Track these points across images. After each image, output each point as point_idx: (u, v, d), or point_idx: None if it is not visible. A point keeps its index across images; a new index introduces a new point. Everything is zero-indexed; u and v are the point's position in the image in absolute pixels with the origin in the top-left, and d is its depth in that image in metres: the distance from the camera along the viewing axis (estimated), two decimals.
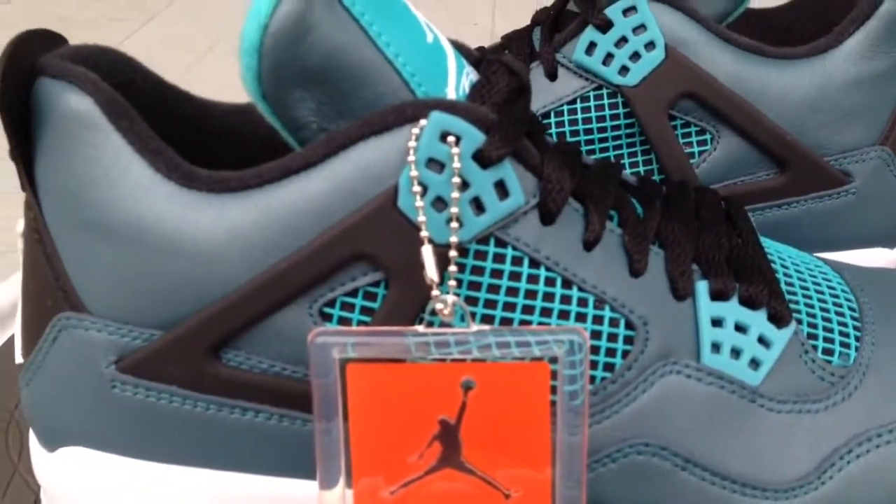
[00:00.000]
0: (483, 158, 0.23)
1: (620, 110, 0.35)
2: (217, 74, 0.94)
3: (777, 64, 0.35)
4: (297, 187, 0.23)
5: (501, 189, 0.24)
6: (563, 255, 0.25)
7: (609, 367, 0.25)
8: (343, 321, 0.24)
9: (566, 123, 0.36)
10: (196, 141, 0.29)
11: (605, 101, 0.35)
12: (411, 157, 0.23)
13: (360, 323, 0.24)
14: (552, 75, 0.36)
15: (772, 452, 0.26)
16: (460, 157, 0.23)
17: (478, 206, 0.23)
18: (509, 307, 0.24)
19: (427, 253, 0.23)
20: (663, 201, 0.28)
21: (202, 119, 0.29)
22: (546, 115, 0.36)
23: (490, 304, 0.24)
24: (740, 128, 0.35)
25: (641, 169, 0.36)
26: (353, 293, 0.24)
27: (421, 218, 0.23)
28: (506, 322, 0.24)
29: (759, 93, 0.35)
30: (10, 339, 0.41)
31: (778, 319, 0.27)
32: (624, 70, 0.35)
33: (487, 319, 0.24)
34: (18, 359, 0.28)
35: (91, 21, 1.07)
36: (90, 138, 0.24)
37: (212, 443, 0.26)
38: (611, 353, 0.25)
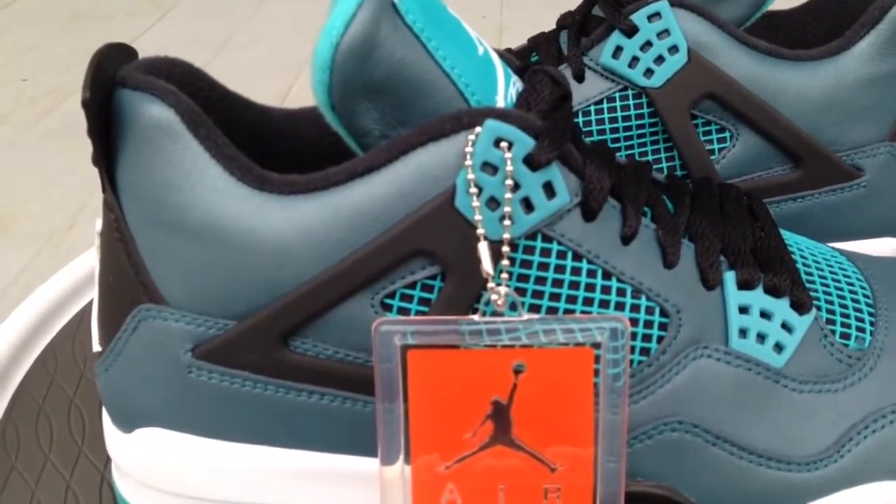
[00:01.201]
0: (533, 162, 0.25)
1: (645, 110, 0.37)
2: (233, 69, 0.96)
3: (793, 66, 0.37)
4: (361, 189, 0.25)
5: (549, 189, 0.26)
6: (604, 249, 0.27)
7: (645, 352, 0.28)
8: (402, 311, 0.26)
9: (593, 123, 0.38)
10: (256, 144, 0.31)
11: (631, 102, 0.37)
12: (468, 162, 0.25)
13: (418, 313, 0.26)
14: (580, 77, 0.38)
15: (794, 429, 0.28)
16: (513, 161, 0.25)
17: (527, 205, 0.26)
18: (554, 297, 0.27)
19: (483, 248, 0.25)
20: (691, 197, 0.31)
21: (261, 124, 0.31)
22: (574, 115, 0.38)
23: (537, 294, 0.26)
24: (758, 126, 0.37)
25: (665, 166, 0.38)
26: (412, 286, 0.26)
27: (477, 217, 0.25)
28: (551, 311, 0.27)
29: (776, 93, 0.37)
30: (67, 331, 0.43)
31: (799, 306, 0.29)
32: (649, 72, 0.37)
33: (534, 309, 0.27)
34: (96, 347, 0.30)
35: (107, 16, 1.09)
36: (171, 146, 0.26)
37: (280, 423, 0.28)
38: (647, 338, 0.27)
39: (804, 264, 0.31)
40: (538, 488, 0.27)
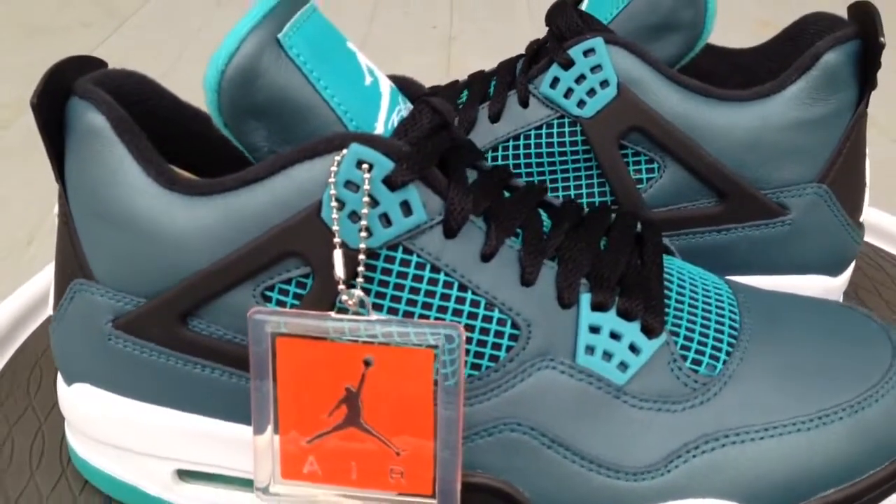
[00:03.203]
0: (391, 182, 0.29)
1: (579, 138, 0.40)
2: (188, 81, 0.98)
3: (720, 105, 0.39)
4: (248, 196, 0.30)
5: (406, 208, 0.29)
6: (461, 264, 0.30)
7: (494, 359, 0.31)
8: (280, 303, 0.31)
9: (532, 146, 0.41)
10: (203, 149, 0.36)
11: (566, 130, 0.40)
12: (332, 179, 0.29)
13: (292, 306, 0.30)
14: (525, 103, 0.41)
15: (628, 441, 0.31)
16: (371, 181, 0.29)
17: (386, 220, 0.29)
18: (411, 303, 0.30)
19: (337, 256, 0.29)
20: (576, 222, 0.33)
21: (208, 131, 0.36)
22: (517, 138, 0.41)
23: (396, 299, 0.30)
24: (682, 160, 0.39)
25: (596, 191, 0.41)
26: (288, 281, 0.30)
27: (335, 227, 0.29)
28: (408, 315, 0.30)
29: (702, 129, 0.39)
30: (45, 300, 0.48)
31: (650, 331, 0.31)
32: (581, 103, 0.40)
33: (393, 312, 0.30)
34: (50, 311, 0.35)
35: (64, 28, 1.12)
36: (100, 147, 0.31)
37: (181, 390, 0.32)
38: (496, 346, 0.31)
39: (678, 293, 0.34)
40: (385, 468, 0.31)
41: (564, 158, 0.41)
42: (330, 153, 0.29)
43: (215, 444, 0.33)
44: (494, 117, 0.42)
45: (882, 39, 0.38)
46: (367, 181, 0.29)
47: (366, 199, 0.29)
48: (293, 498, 0.31)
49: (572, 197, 0.41)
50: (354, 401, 0.30)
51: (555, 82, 0.40)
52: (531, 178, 0.41)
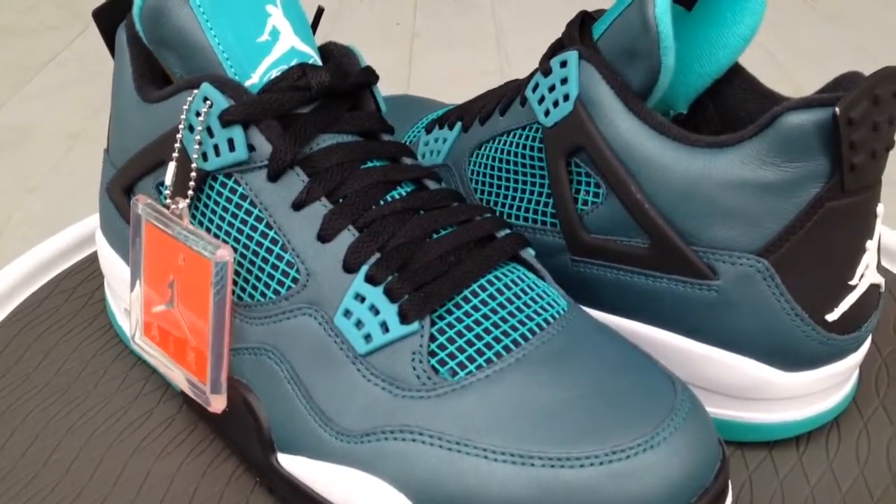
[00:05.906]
0: (223, 120, 0.35)
1: (545, 146, 0.41)
2: None
3: (670, 144, 0.36)
4: (160, 109, 0.38)
5: (231, 144, 0.35)
6: (273, 206, 0.35)
7: (276, 292, 0.35)
8: (166, 196, 0.39)
9: (514, 145, 0.42)
10: None
11: (538, 136, 0.41)
12: (185, 107, 0.36)
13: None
14: (523, 102, 0.42)
15: (346, 403, 0.33)
16: (207, 115, 0.35)
17: (217, 150, 0.35)
18: (231, 225, 0.36)
19: (170, 168, 0.36)
20: (425, 208, 0.36)
21: None
22: (508, 133, 0.43)
23: (221, 218, 0.36)
24: (613, 189, 0.38)
25: (551, 202, 0.41)
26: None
27: (177, 145, 0.36)
28: (227, 234, 0.36)
29: (640, 163, 0.37)
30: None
31: (404, 316, 0.33)
32: (547, 112, 0.40)
33: (218, 228, 0.36)
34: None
35: (31, 30, 1.14)
36: (122, 56, 0.41)
37: (124, 248, 0.42)
38: (280, 283, 0.35)
39: (482, 301, 0.34)
40: (185, 351, 0.37)
41: (533, 163, 0.41)
42: (196, 87, 0.36)
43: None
44: (502, 111, 0.44)
45: (836, 109, 0.32)
46: (204, 114, 0.35)
47: (199, 127, 0.35)
48: (144, 352, 0.40)
49: (532, 202, 0.42)
50: (172, 289, 0.37)
51: (535, 87, 0.41)
52: (509, 175, 0.43)
